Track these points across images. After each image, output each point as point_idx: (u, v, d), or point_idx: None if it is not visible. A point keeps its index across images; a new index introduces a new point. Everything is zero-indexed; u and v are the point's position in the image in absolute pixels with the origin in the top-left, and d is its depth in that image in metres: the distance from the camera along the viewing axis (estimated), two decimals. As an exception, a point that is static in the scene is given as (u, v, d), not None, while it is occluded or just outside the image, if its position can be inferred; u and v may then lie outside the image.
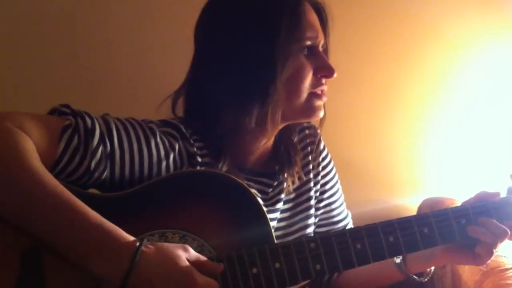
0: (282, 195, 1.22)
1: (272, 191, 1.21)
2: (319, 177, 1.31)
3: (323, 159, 1.32)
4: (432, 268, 1.22)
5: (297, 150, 1.26)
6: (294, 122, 1.23)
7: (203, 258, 0.96)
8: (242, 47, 1.12)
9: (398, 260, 1.20)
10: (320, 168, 1.31)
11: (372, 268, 1.20)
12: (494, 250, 1.11)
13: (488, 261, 1.14)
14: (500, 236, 1.10)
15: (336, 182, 1.35)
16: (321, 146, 1.32)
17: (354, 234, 1.05)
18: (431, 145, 1.94)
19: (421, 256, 1.17)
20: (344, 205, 1.37)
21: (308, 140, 1.30)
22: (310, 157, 1.29)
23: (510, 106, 1.94)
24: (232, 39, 1.13)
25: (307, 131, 1.31)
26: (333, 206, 1.33)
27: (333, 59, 1.22)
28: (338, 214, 1.33)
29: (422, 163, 1.94)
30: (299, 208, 1.26)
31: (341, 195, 1.36)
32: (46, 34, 1.58)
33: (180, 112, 1.21)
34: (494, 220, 1.11)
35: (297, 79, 1.13)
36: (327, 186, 1.32)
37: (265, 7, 1.13)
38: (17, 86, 1.57)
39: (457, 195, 1.76)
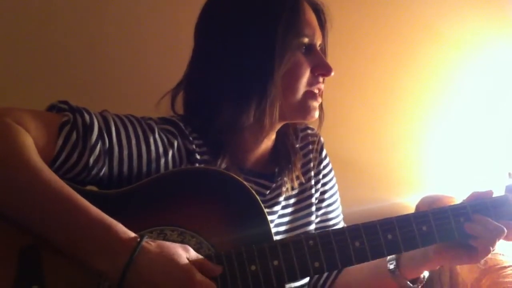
0: (280, 198, 1.22)
1: (269, 193, 1.21)
2: (319, 185, 1.31)
3: (324, 167, 1.32)
4: (426, 274, 1.20)
5: (298, 154, 1.26)
6: (291, 121, 1.23)
7: (202, 258, 0.96)
8: (240, 41, 1.12)
9: (391, 266, 1.18)
10: (320, 176, 1.31)
11: (367, 277, 1.21)
12: (491, 248, 1.09)
13: (486, 259, 1.13)
14: (497, 235, 1.08)
15: (335, 192, 1.35)
16: (323, 154, 1.33)
17: (353, 232, 1.04)
18: (429, 143, 1.94)
19: (415, 259, 1.16)
20: (340, 210, 1.36)
21: (310, 147, 1.30)
22: (311, 164, 1.29)
23: (509, 104, 1.94)
24: (230, 34, 1.13)
25: (310, 138, 1.31)
26: (330, 216, 1.33)
27: (332, 58, 1.22)
28: (333, 220, 1.33)
29: (421, 162, 1.94)
30: (301, 205, 1.26)
31: (338, 201, 1.36)
32: (45, 31, 1.58)
33: (179, 109, 1.20)
34: (490, 219, 1.09)
35: (294, 75, 1.14)
36: (326, 195, 1.32)
37: (265, 2, 1.13)
38: (16, 83, 1.57)
39: (456, 193, 1.77)
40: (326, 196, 1.32)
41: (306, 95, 1.16)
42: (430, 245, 1.12)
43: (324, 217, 1.32)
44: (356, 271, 1.27)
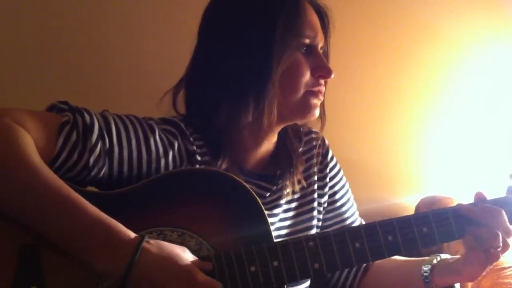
0: (281, 201, 1.21)
1: (269, 195, 1.21)
2: (327, 188, 1.30)
3: (331, 169, 1.32)
4: (457, 285, 1.20)
5: (300, 158, 1.26)
6: (291, 121, 1.22)
7: (197, 259, 0.96)
8: (240, 40, 1.12)
9: (426, 274, 1.17)
10: (327, 179, 1.31)
11: (399, 277, 1.22)
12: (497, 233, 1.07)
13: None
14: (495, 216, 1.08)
15: (347, 191, 1.35)
16: (329, 157, 1.32)
17: (353, 233, 1.04)
18: (430, 144, 1.94)
19: (447, 271, 1.15)
20: (355, 207, 1.36)
21: (314, 151, 1.30)
22: (315, 168, 1.29)
23: (509, 104, 1.94)
24: (230, 33, 1.13)
25: (314, 142, 1.30)
26: (345, 216, 1.32)
27: (333, 58, 1.22)
28: (349, 219, 1.33)
29: (421, 162, 1.94)
30: (303, 209, 1.25)
31: (351, 199, 1.36)
32: (45, 32, 1.58)
33: (181, 107, 1.20)
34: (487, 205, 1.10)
35: (293, 75, 1.13)
36: (337, 196, 1.32)
37: (264, 2, 1.13)
38: (16, 84, 1.56)
39: (456, 194, 1.77)
40: (337, 197, 1.32)
41: (306, 94, 1.15)
42: (458, 260, 1.13)
43: (339, 218, 1.31)
44: (387, 272, 1.27)
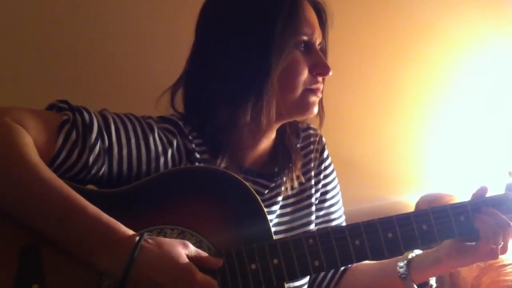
0: (279, 198, 1.21)
1: (268, 192, 1.21)
2: (320, 185, 1.30)
3: (326, 168, 1.32)
4: (434, 283, 1.21)
5: (299, 154, 1.26)
6: (290, 119, 1.22)
7: (203, 253, 0.97)
8: (238, 39, 1.12)
9: (402, 270, 1.18)
10: (321, 176, 1.31)
11: (375, 280, 1.22)
12: (492, 240, 1.09)
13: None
14: (502, 227, 1.09)
15: (337, 192, 1.35)
16: (325, 155, 1.32)
17: (352, 230, 1.04)
18: (429, 142, 1.94)
19: (425, 263, 1.16)
20: (342, 211, 1.36)
21: (312, 147, 1.30)
22: (312, 164, 1.29)
23: (509, 104, 1.94)
24: (228, 31, 1.13)
25: (312, 138, 1.30)
26: (332, 216, 1.32)
27: (333, 57, 1.22)
28: (336, 220, 1.33)
29: (421, 160, 1.94)
30: (301, 205, 1.25)
31: (340, 202, 1.36)
32: (45, 31, 1.58)
33: (179, 106, 1.20)
34: (498, 212, 1.11)
35: (292, 74, 1.13)
36: (328, 196, 1.32)
37: (263, 0, 1.13)
38: (16, 83, 1.57)
39: (455, 191, 1.77)
40: (327, 196, 1.32)
41: (304, 92, 1.15)
42: (442, 249, 1.14)
43: (326, 218, 1.31)
44: (363, 273, 1.27)
